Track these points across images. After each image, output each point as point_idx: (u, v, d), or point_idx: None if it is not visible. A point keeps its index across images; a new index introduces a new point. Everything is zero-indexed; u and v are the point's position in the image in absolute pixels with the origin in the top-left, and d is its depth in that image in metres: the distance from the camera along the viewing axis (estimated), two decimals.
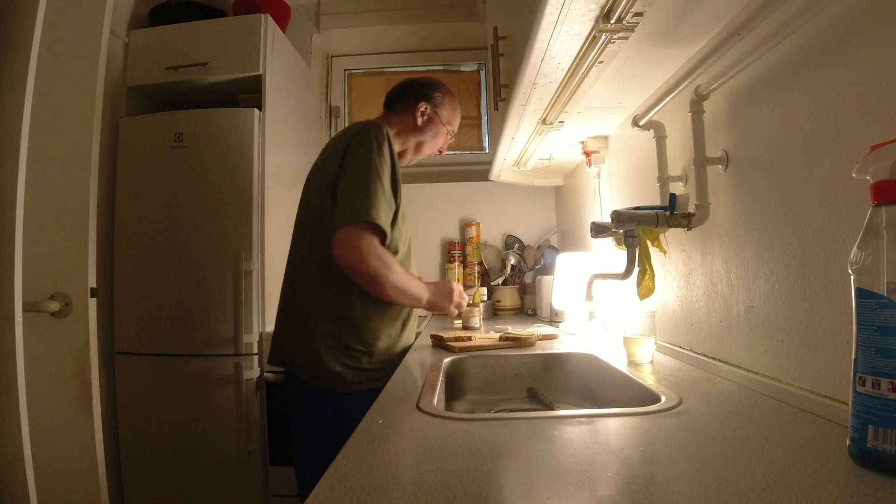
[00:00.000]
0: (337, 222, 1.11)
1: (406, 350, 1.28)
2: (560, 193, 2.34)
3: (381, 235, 1.13)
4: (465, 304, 1.40)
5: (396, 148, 1.32)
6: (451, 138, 1.48)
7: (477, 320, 1.68)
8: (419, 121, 1.38)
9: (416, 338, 1.41)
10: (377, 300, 1.18)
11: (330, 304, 1.18)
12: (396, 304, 1.23)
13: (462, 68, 2.66)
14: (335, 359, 1.16)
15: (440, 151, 1.49)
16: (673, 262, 1.10)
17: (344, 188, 1.13)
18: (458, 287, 1.38)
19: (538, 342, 1.31)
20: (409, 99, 1.40)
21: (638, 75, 1.03)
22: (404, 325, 1.29)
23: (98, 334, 1.21)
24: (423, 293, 1.25)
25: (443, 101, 1.42)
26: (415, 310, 1.33)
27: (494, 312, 2.16)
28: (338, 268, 1.13)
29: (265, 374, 1.80)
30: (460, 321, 1.75)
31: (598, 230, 1.09)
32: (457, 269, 2.33)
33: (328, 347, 1.16)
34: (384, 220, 1.12)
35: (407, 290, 1.19)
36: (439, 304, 1.32)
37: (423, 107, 1.38)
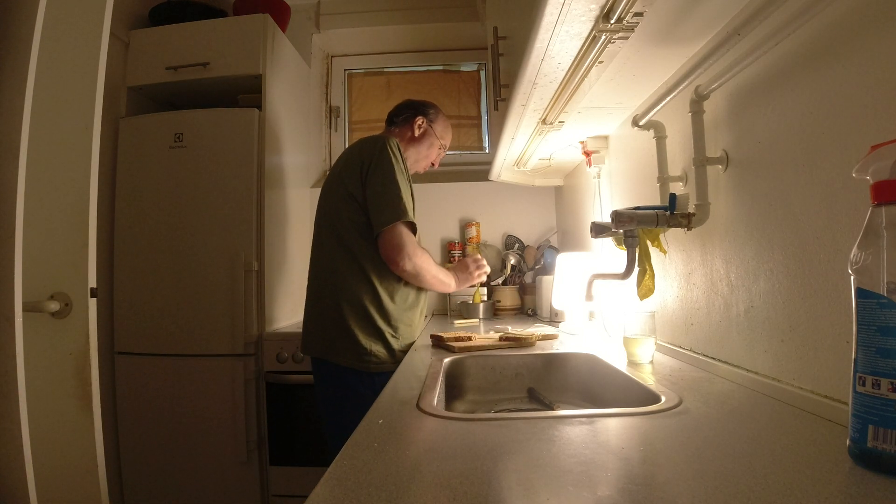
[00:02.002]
0: (379, 226, 1.31)
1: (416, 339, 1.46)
2: (560, 193, 2.34)
3: (413, 228, 1.36)
4: (484, 264, 1.60)
5: None
6: (442, 153, 1.67)
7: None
8: (416, 132, 1.57)
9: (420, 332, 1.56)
10: (401, 291, 1.40)
11: (362, 294, 1.35)
12: (432, 290, 1.46)
13: (462, 68, 2.66)
14: (370, 340, 1.33)
15: (433, 164, 1.65)
16: (673, 262, 1.10)
17: (377, 195, 1.32)
18: (469, 258, 1.60)
19: (538, 342, 1.31)
20: (407, 114, 1.59)
21: (638, 75, 1.03)
22: (421, 314, 1.50)
23: (98, 334, 1.21)
24: (451, 278, 1.50)
25: (437, 117, 1.62)
26: (425, 303, 1.52)
27: (494, 312, 2.16)
28: (369, 262, 1.35)
29: (265, 374, 1.80)
30: (463, 321, 1.77)
31: (598, 230, 1.09)
32: None
33: (363, 331, 1.33)
34: (412, 215, 1.35)
35: (440, 277, 1.44)
36: (465, 279, 1.55)
37: (419, 120, 1.57)
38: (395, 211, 1.31)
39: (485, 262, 1.61)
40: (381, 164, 1.34)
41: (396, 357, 1.33)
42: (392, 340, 1.36)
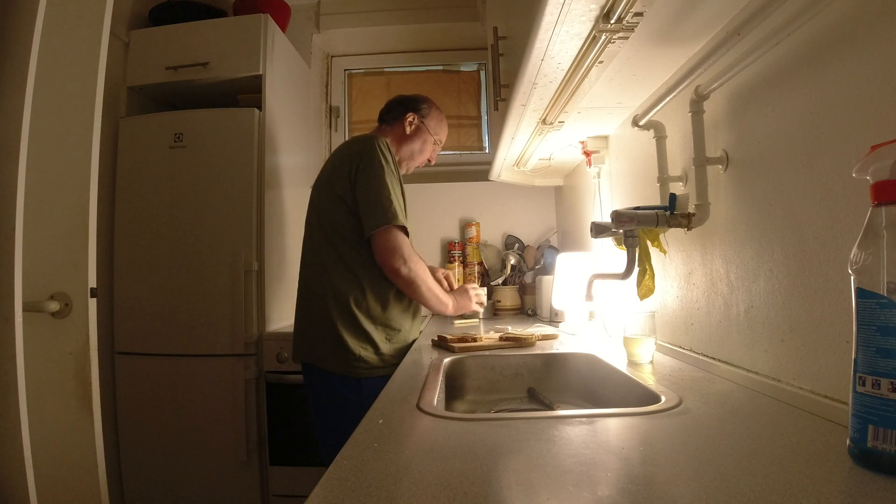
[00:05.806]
0: (370, 228, 1.29)
1: (412, 342, 1.42)
2: (560, 193, 2.34)
3: (405, 232, 1.33)
4: (483, 298, 1.59)
5: None
6: (438, 149, 1.63)
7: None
8: (408, 130, 1.53)
9: (419, 334, 1.53)
10: (393, 295, 1.37)
11: (352, 298, 1.33)
12: (425, 304, 1.40)
13: (462, 68, 2.66)
14: (359, 345, 1.31)
15: (429, 161, 1.62)
16: (673, 262, 1.10)
17: (367, 198, 1.30)
18: (469, 286, 1.56)
19: (538, 342, 1.31)
20: (398, 111, 1.55)
21: (638, 75, 1.03)
22: (414, 317, 1.46)
23: (98, 334, 1.21)
24: (450, 298, 1.45)
25: (429, 112, 1.57)
26: (420, 307, 1.47)
27: (494, 312, 2.16)
28: (359, 266, 1.33)
29: (265, 374, 1.80)
30: (464, 321, 1.80)
31: (598, 230, 1.09)
32: (457, 269, 2.33)
33: (352, 336, 1.31)
34: (403, 218, 1.32)
35: (436, 292, 1.40)
36: (464, 305, 1.51)
37: (410, 117, 1.54)
38: (386, 214, 1.28)
39: (483, 293, 1.59)
40: (370, 165, 1.31)
41: (387, 362, 1.33)
42: (383, 345, 1.34)
